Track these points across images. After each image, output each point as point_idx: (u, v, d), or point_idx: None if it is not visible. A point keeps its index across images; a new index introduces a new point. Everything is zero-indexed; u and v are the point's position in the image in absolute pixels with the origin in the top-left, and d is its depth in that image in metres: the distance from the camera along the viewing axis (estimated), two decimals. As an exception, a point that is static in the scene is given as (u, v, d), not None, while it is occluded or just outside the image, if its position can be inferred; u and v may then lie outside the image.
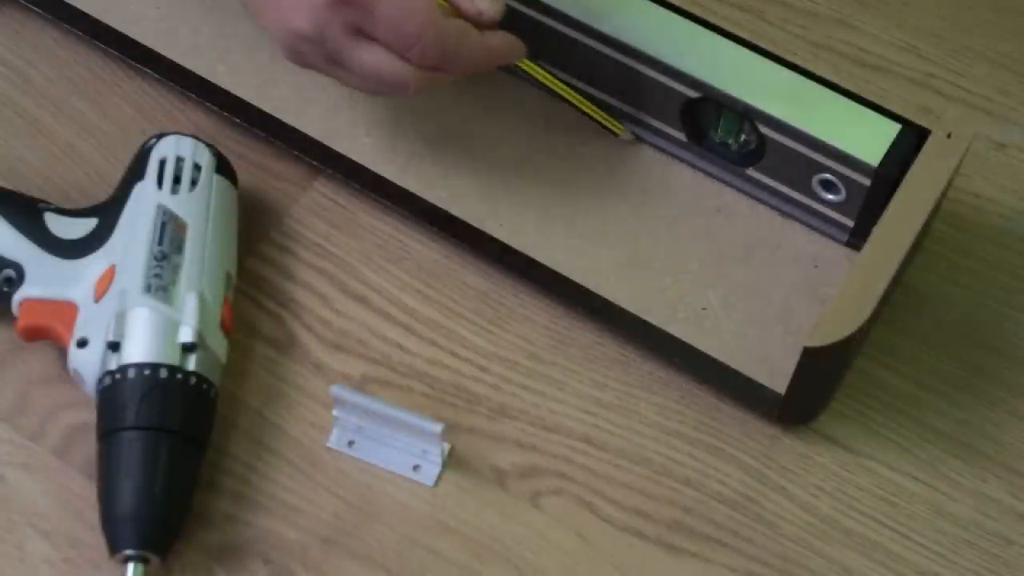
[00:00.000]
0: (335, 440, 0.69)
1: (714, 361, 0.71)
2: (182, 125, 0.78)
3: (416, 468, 0.69)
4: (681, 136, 0.77)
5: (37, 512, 0.67)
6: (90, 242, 0.70)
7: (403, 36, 0.68)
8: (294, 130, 0.78)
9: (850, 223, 0.74)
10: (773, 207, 0.77)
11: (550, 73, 0.76)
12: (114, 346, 0.66)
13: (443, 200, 0.76)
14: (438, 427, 0.66)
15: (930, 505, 0.69)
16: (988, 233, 0.78)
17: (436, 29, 0.68)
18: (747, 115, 0.73)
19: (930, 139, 0.70)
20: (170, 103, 0.80)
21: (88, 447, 0.67)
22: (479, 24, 0.71)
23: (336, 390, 0.67)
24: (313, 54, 0.70)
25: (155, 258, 0.68)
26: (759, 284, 0.74)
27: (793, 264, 0.75)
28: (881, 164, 0.70)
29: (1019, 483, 0.70)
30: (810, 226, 0.76)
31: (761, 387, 0.70)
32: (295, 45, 0.69)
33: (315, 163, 0.77)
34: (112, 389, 0.65)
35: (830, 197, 0.74)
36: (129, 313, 0.67)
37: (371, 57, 0.69)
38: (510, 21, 0.72)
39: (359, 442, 0.69)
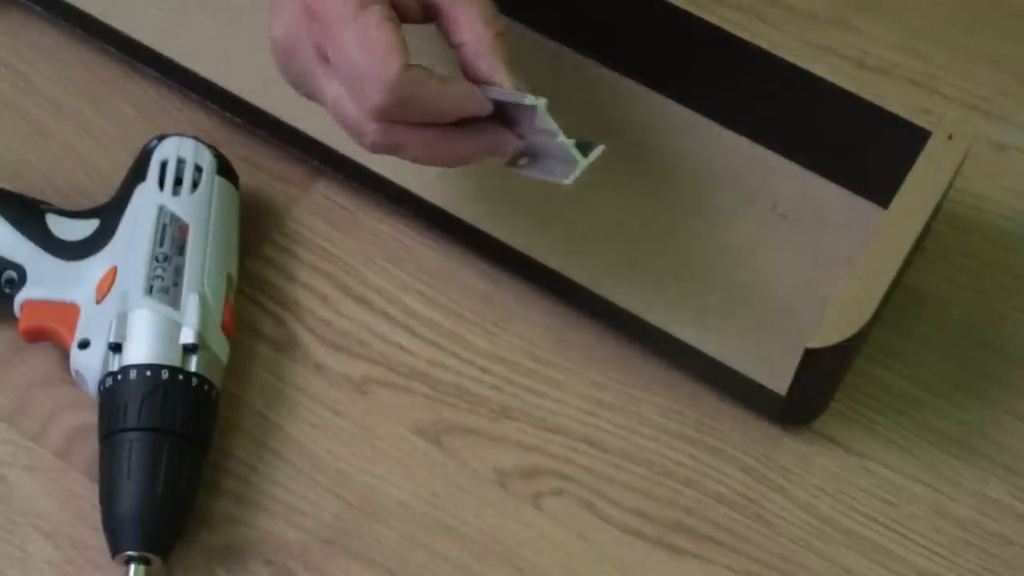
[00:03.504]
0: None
1: (715, 361, 0.71)
2: (183, 126, 0.78)
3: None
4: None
5: (39, 513, 0.67)
6: (92, 243, 0.70)
7: (359, 88, 0.59)
8: (295, 131, 0.78)
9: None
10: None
11: None
12: (116, 347, 0.66)
13: (444, 200, 0.76)
14: (542, 101, 0.61)
15: (930, 505, 0.69)
16: (988, 233, 0.78)
17: (398, 97, 0.59)
18: None
19: (931, 140, 0.70)
20: (171, 104, 0.80)
21: (90, 448, 0.67)
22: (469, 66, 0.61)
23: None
24: (289, 70, 0.63)
25: (156, 260, 0.68)
26: (759, 284, 0.74)
27: (793, 264, 0.75)
28: None
29: (1019, 484, 0.70)
30: (810, 226, 0.76)
31: (762, 388, 0.70)
32: (275, 55, 0.63)
33: (316, 164, 0.77)
34: (113, 390, 0.65)
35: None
36: (131, 314, 0.67)
37: (333, 92, 0.62)
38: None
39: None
